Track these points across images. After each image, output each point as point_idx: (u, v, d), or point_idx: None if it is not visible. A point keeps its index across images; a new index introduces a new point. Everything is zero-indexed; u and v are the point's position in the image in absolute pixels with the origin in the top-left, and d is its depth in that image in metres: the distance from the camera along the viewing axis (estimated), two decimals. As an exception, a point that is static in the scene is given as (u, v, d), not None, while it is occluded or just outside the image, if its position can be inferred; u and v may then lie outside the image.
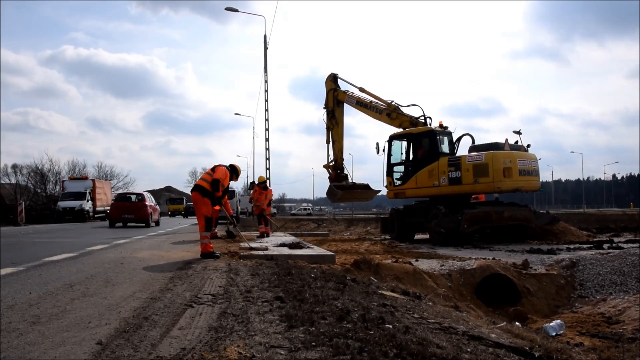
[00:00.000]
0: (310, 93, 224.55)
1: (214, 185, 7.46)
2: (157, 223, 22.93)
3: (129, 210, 21.00)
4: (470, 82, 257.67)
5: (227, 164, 8.14)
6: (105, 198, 33.59)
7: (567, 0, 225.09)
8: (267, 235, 13.19)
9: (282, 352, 2.60)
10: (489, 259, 8.62)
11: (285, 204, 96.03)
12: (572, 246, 10.88)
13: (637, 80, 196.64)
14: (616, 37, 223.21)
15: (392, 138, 14.81)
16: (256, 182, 15.12)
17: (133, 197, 22.78)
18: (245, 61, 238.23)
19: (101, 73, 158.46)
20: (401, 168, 14.67)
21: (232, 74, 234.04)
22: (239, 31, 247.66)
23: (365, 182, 16.85)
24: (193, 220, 36.20)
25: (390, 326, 3.18)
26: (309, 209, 75.60)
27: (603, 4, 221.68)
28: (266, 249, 8.37)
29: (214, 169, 7.77)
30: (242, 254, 7.59)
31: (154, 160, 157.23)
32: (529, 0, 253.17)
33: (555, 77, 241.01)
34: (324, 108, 16.44)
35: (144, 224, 20.86)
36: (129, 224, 20.99)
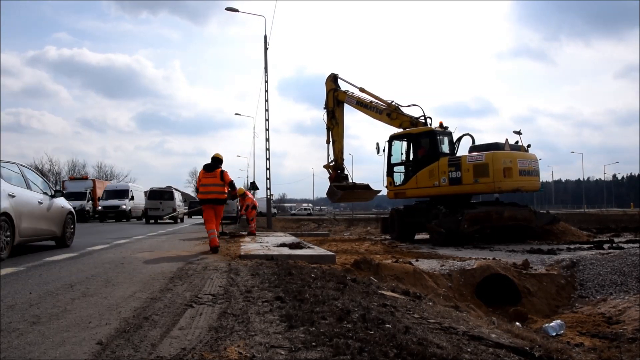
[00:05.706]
0: (298, 93, 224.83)
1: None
2: None
3: None
4: (459, 82, 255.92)
5: (214, 162, 9.06)
6: None
7: (553, 0, 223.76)
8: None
9: (283, 352, 2.60)
10: (489, 259, 8.62)
11: (286, 204, 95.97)
12: (572, 246, 10.88)
13: (626, 80, 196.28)
14: (603, 38, 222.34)
15: (392, 138, 14.82)
16: (251, 185, 15.62)
17: None
18: (233, 61, 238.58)
19: (88, 73, 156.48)
20: (401, 168, 14.68)
21: (220, 74, 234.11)
22: (220, 32, 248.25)
23: (360, 182, 16.87)
24: (191, 220, 36.25)
25: (390, 326, 3.18)
26: (309, 209, 75.66)
27: (590, 4, 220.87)
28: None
29: (221, 175, 8.82)
30: (242, 253, 7.59)
31: (149, 160, 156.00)
32: (516, 0, 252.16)
33: (544, 76, 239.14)
34: (324, 108, 16.42)
35: None
36: None
